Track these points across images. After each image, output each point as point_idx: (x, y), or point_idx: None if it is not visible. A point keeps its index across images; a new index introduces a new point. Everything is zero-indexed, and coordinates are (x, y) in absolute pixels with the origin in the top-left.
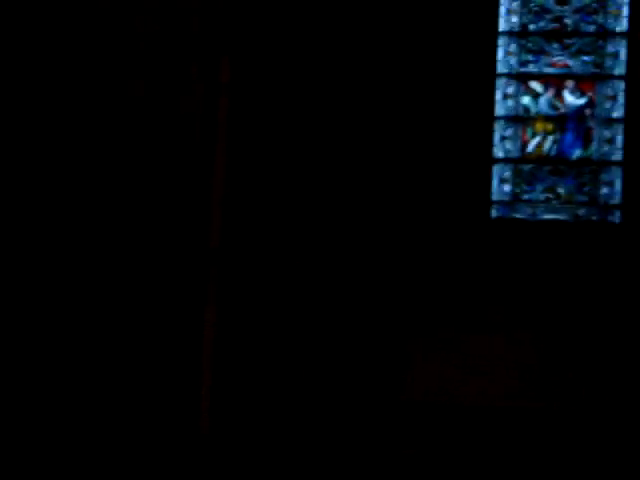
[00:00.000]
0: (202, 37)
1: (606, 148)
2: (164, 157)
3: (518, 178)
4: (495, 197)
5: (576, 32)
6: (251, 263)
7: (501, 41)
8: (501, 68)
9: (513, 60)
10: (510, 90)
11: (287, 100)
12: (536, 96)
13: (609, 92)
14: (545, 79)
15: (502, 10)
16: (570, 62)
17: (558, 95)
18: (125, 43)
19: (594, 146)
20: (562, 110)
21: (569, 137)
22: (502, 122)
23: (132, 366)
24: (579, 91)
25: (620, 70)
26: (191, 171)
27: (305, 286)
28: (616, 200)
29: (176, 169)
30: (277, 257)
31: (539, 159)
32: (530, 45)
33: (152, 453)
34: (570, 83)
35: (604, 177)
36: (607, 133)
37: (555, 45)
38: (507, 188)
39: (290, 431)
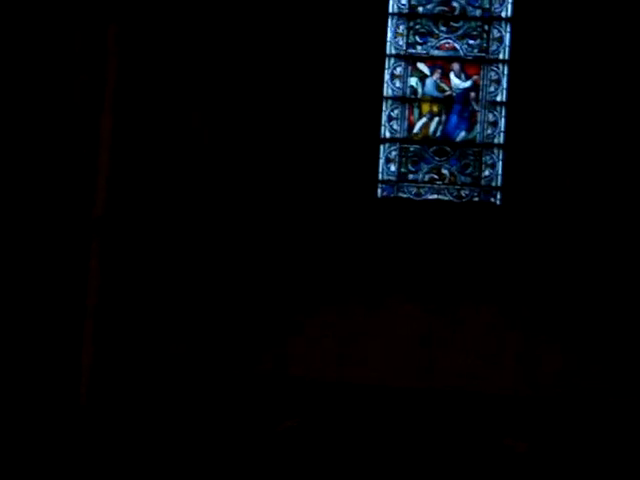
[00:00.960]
0: (88, 4)
1: (489, 131)
2: (48, 123)
3: (404, 158)
4: (381, 177)
5: (463, 16)
6: (136, 232)
7: (391, 22)
8: (390, 49)
9: (402, 41)
10: (398, 71)
11: (174, 68)
12: (423, 78)
13: (493, 76)
14: (432, 61)
15: None
16: (457, 45)
17: (444, 77)
18: (8, 9)
19: (478, 129)
20: (448, 92)
21: (454, 119)
22: (390, 102)
23: (12, 338)
24: (465, 74)
25: (504, 54)
26: (76, 137)
27: (190, 259)
28: (498, 182)
29: (60, 135)
30: (163, 228)
31: (425, 140)
32: (419, 27)
33: (31, 424)
34: (456, 66)
35: (487, 159)
36: (491, 116)
37: (443, 28)
38: (393, 168)
39: (167, 403)
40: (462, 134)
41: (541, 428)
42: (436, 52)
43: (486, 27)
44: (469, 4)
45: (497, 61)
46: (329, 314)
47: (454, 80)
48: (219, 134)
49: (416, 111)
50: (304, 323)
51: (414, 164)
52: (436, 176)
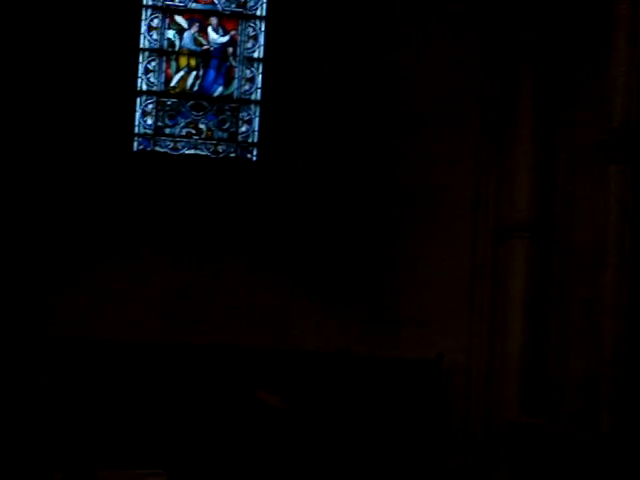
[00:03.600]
0: None
1: (247, 87)
2: None
3: (161, 112)
4: (138, 130)
5: None
6: None
7: None
8: (147, 0)
9: None
10: (155, 23)
11: None
12: (181, 31)
13: (251, 32)
14: (190, 14)
15: None
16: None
17: (202, 31)
18: None
19: (235, 84)
20: (206, 46)
21: (212, 74)
22: (146, 54)
23: None
24: (222, 29)
25: (262, 11)
26: None
27: None
28: (254, 138)
29: None
30: None
31: (182, 94)
32: None
33: None
34: (214, 20)
35: (244, 115)
36: (248, 72)
37: None
38: (150, 121)
39: None
40: (220, 89)
41: (295, 382)
42: (194, 5)
43: None
44: None
45: (255, 17)
46: (86, 271)
47: (212, 34)
48: None
49: (173, 64)
50: (64, 281)
51: (171, 118)
52: (193, 131)
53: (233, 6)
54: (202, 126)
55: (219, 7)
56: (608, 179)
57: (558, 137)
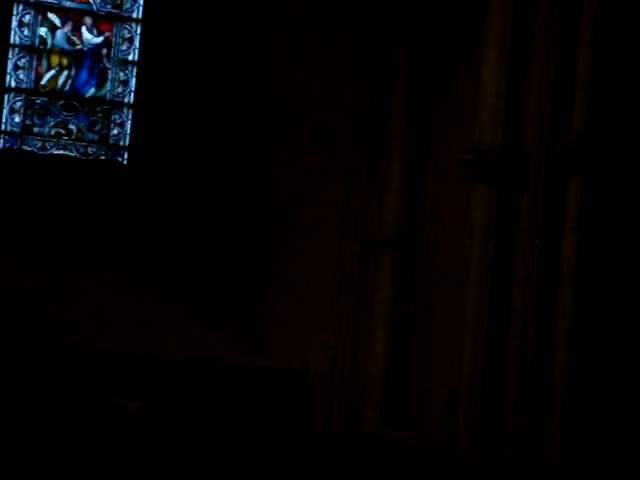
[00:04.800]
0: None
1: (120, 89)
2: None
3: (30, 110)
4: (4, 127)
5: None
6: None
7: None
8: None
9: None
10: (27, 19)
11: None
12: (54, 28)
13: (126, 34)
14: (64, 12)
15: None
16: None
17: (76, 31)
18: None
19: (108, 86)
20: (79, 46)
21: (84, 74)
22: (17, 51)
23: None
24: (97, 29)
25: (137, 14)
26: None
27: None
28: (126, 141)
29: None
30: None
31: (52, 93)
32: None
33: None
34: (89, 20)
35: (116, 118)
36: (122, 74)
37: None
38: (18, 119)
39: None
40: (92, 90)
41: (158, 388)
42: (68, 3)
43: None
44: None
45: (130, 19)
46: None
47: (86, 34)
48: None
49: (45, 62)
50: None
51: (40, 117)
52: (63, 131)
53: (109, 7)
54: (72, 127)
55: (94, 7)
56: (474, 198)
57: (428, 154)
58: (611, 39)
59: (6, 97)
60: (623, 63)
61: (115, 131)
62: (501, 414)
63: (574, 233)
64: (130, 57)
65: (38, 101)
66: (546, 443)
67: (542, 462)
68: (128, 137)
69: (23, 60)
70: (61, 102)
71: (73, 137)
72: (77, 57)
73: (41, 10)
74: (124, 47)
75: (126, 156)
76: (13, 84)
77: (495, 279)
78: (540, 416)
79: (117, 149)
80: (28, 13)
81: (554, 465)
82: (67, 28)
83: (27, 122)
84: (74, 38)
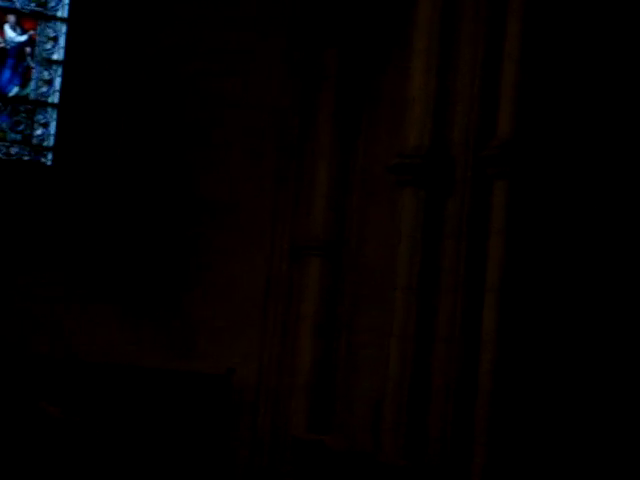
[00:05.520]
0: None
1: (44, 89)
2: None
3: None
4: None
5: None
6: None
7: None
8: None
9: None
10: None
11: None
12: None
13: (51, 33)
14: None
15: None
16: None
17: None
18: None
19: (32, 85)
20: (2, 45)
21: (7, 73)
22: None
23: None
24: (21, 27)
25: (63, 12)
26: None
27: None
28: (50, 142)
29: None
30: None
31: None
32: None
33: None
34: (12, 18)
35: (40, 118)
36: (46, 74)
37: None
38: None
39: None
40: (15, 90)
41: (82, 392)
42: None
43: None
44: None
45: (55, 18)
46: None
47: (9, 32)
48: None
49: None
50: None
51: None
52: None
53: (33, 5)
54: None
55: (17, 5)
56: (401, 201)
57: (356, 157)
58: (536, 48)
59: None
60: (549, 70)
61: (39, 131)
62: (426, 418)
63: (500, 236)
64: (55, 56)
65: None
66: (471, 447)
67: (467, 466)
68: (52, 138)
69: None
70: None
71: None
72: (0, 55)
73: None
74: (49, 46)
75: (50, 157)
76: None
77: (422, 283)
78: (465, 420)
79: (41, 150)
80: None
81: (479, 469)
82: None
83: None
84: None
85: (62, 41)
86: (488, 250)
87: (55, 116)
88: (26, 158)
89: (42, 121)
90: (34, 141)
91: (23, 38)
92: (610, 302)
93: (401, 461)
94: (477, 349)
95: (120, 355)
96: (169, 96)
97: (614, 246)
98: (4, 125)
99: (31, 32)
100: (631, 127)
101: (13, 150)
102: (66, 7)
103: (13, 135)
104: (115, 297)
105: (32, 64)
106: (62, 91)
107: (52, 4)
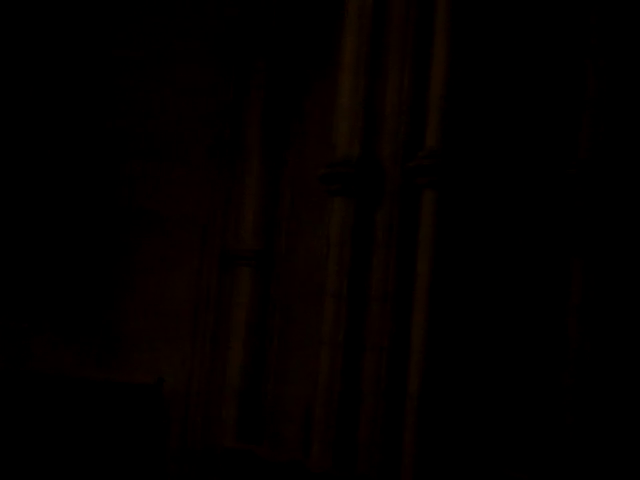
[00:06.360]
0: None
1: None
2: None
3: None
4: None
5: None
6: None
7: None
8: None
9: None
10: None
11: None
12: None
13: None
14: None
15: None
16: None
17: None
18: None
19: None
20: None
21: None
22: None
23: None
24: None
25: None
26: None
27: None
28: None
29: None
30: None
31: None
32: None
33: None
34: None
35: None
36: None
37: None
38: None
39: None
40: None
41: (8, 402)
42: None
43: None
44: None
45: None
46: None
47: None
48: None
49: None
50: None
51: None
52: None
53: None
54: None
55: None
56: (331, 211)
57: (287, 167)
58: (463, 60)
59: None
60: (476, 82)
61: None
62: (356, 426)
63: (428, 247)
64: None
65: None
66: (399, 455)
67: (396, 473)
68: None
69: None
70: None
71: None
72: None
73: None
74: None
75: None
76: None
77: (351, 292)
78: (394, 428)
79: None
80: None
81: (407, 476)
82: None
83: None
84: None
85: None
86: (417, 260)
87: None
88: None
89: None
90: None
91: None
92: (525, 302)
93: (331, 469)
94: (407, 357)
95: (51, 365)
96: (95, 103)
97: (534, 252)
98: None
99: None
100: (556, 138)
101: None
102: None
103: None
104: (45, 307)
105: None
106: None
107: None
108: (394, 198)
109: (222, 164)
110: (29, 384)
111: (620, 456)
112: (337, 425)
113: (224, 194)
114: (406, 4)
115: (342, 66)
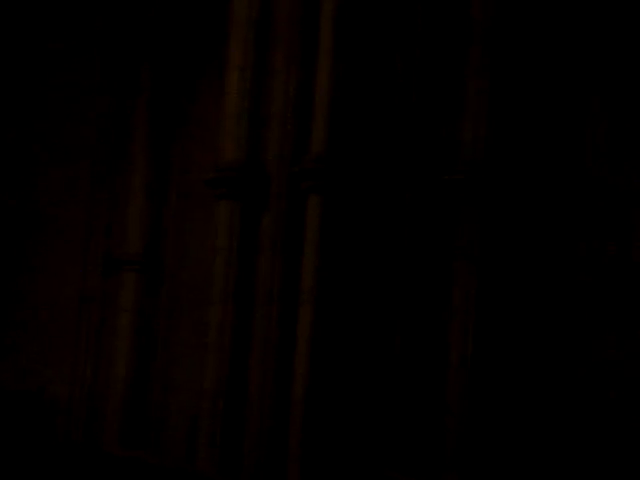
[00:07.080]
0: None
1: None
2: None
3: None
4: None
5: None
6: None
7: None
8: None
9: None
10: None
11: None
12: None
13: None
14: None
15: None
16: None
17: None
18: None
19: None
20: None
21: None
22: None
23: None
24: None
25: None
26: None
27: None
28: None
29: None
30: None
31: None
32: None
33: None
34: None
35: None
36: None
37: None
38: None
39: None
40: None
41: None
42: None
43: None
44: None
45: None
46: None
47: None
48: None
49: None
50: None
51: None
52: None
53: None
54: None
55: None
56: (217, 215)
57: (173, 170)
58: (348, 65)
59: None
60: (360, 87)
61: None
62: (242, 431)
63: (313, 250)
64: None
65: None
66: (285, 458)
67: (282, 477)
68: None
69: None
70: None
71: None
72: None
73: None
74: None
75: None
76: None
77: (237, 296)
78: (280, 431)
79: None
80: None
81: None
82: None
83: None
84: None
85: None
86: (302, 264)
87: None
88: None
89: None
90: None
91: None
92: (408, 303)
93: (216, 475)
94: (292, 362)
95: None
96: None
97: (418, 254)
98: None
99: None
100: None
101: None
102: None
103: None
104: None
105: None
106: None
107: None
108: (280, 202)
109: (109, 167)
110: None
111: (501, 455)
112: (222, 430)
113: (109, 197)
114: (291, 10)
115: (228, 70)
